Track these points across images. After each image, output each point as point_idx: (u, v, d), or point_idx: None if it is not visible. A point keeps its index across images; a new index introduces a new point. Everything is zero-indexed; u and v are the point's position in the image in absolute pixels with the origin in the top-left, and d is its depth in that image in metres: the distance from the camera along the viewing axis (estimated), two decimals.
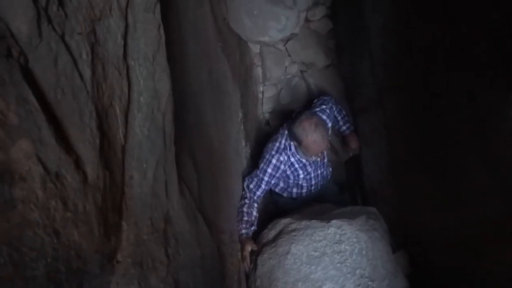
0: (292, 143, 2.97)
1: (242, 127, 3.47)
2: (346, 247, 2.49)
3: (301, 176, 3.13)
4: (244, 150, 3.45)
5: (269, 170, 2.99)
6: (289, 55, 3.75)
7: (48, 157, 0.85)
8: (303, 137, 2.76)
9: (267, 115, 3.94)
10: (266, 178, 2.98)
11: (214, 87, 3.04)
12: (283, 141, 3.00)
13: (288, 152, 3.01)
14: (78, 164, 0.96)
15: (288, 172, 3.10)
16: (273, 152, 3.00)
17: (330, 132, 3.07)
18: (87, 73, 1.10)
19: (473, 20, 1.58)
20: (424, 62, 2.09)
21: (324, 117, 3.06)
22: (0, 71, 0.81)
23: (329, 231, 2.56)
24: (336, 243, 2.52)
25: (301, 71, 3.80)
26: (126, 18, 1.43)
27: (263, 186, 2.99)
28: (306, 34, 3.66)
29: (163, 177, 1.50)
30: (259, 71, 3.83)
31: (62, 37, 1.02)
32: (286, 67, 3.79)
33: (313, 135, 2.73)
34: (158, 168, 1.46)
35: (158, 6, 1.63)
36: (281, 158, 2.99)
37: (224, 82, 3.25)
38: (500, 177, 1.52)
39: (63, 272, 0.86)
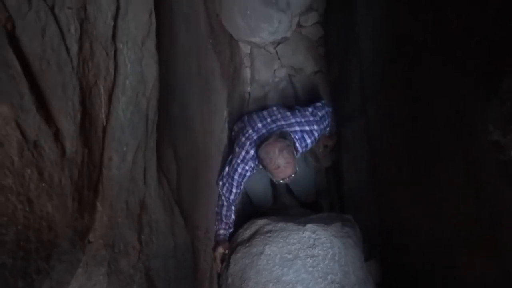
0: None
1: (226, 125, 3.47)
2: (320, 251, 2.50)
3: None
4: (226, 149, 3.45)
5: (236, 177, 2.92)
6: (279, 59, 3.77)
7: (28, 124, 0.85)
8: (267, 162, 2.67)
9: None
10: (234, 184, 2.92)
11: (202, 82, 3.04)
12: (251, 152, 2.91)
13: (256, 162, 2.91)
14: (57, 136, 0.95)
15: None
16: (239, 161, 2.92)
17: (303, 150, 3.01)
18: (74, 48, 1.09)
19: (458, 25, 1.61)
20: (408, 71, 2.12)
21: (306, 129, 2.97)
22: None
23: (304, 235, 2.56)
24: (310, 247, 2.53)
25: (290, 75, 3.82)
26: (118, 0, 1.43)
27: (234, 190, 2.94)
28: (297, 39, 3.69)
29: (142, 162, 1.50)
30: (247, 71, 3.84)
31: (51, 8, 1.01)
32: (275, 70, 3.80)
33: (277, 161, 2.64)
34: (138, 153, 1.45)
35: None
36: (247, 167, 2.92)
37: (212, 79, 3.24)
38: (478, 187, 1.55)
39: (33, 241, 0.85)
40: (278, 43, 3.70)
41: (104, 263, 1.27)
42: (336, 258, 2.49)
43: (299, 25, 3.67)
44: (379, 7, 2.53)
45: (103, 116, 1.28)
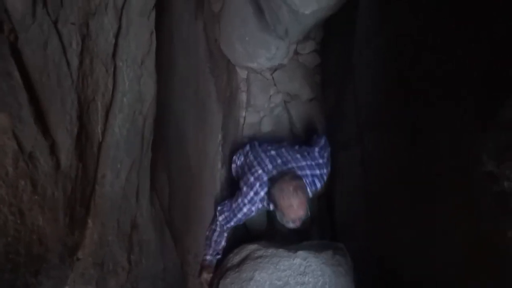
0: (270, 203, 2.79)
1: (220, 149, 3.46)
2: (310, 279, 2.48)
3: None
4: (219, 173, 3.44)
5: (239, 215, 2.85)
6: (275, 85, 3.80)
7: (24, 135, 0.84)
8: (280, 200, 2.59)
9: (246, 141, 3.95)
10: (239, 216, 2.86)
11: (198, 105, 3.05)
12: (261, 193, 2.82)
13: (264, 202, 2.84)
14: (53, 149, 0.94)
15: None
16: (246, 201, 2.83)
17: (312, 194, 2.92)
18: (74, 62, 1.09)
19: (454, 59, 1.64)
20: (404, 102, 2.15)
21: (316, 173, 2.91)
22: None
23: (294, 262, 2.54)
24: (301, 274, 2.50)
25: (285, 102, 3.85)
26: (120, 18, 1.44)
27: (232, 223, 2.89)
28: (294, 66, 3.73)
29: (136, 181, 1.48)
30: (243, 96, 3.87)
31: (55, 23, 1.02)
32: (270, 95, 3.83)
33: (291, 199, 2.56)
34: (132, 171, 1.44)
35: (153, 13, 1.65)
36: (253, 208, 2.85)
37: (209, 102, 3.26)
38: (474, 217, 1.55)
39: (22, 254, 0.83)
40: (275, 69, 3.74)
41: (92, 281, 1.25)
42: (327, 286, 2.46)
43: (296, 52, 3.72)
44: (377, 40, 2.58)
45: (100, 132, 1.27)
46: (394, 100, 2.31)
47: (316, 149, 3.05)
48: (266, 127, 3.85)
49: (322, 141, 3.17)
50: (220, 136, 3.46)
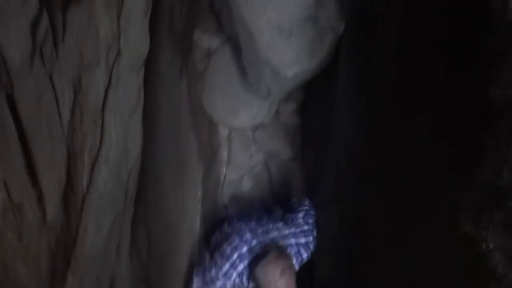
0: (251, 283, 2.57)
1: (199, 207, 3.43)
2: None
3: None
4: (198, 232, 3.39)
5: (218, 284, 2.57)
6: (256, 143, 3.84)
7: (15, 186, 0.83)
8: (265, 284, 2.40)
9: (226, 200, 3.93)
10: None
11: (179, 161, 3.06)
12: (239, 267, 2.58)
13: (243, 278, 2.60)
14: (40, 200, 0.93)
15: None
16: (221, 275, 2.56)
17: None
18: (66, 115, 1.11)
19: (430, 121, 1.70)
20: (383, 164, 2.19)
21: (302, 242, 2.78)
22: None
23: None
24: None
25: (266, 161, 3.87)
26: (111, 74, 1.47)
27: None
28: (275, 126, 3.80)
29: (117, 235, 1.46)
30: (224, 154, 3.88)
31: (50, 76, 1.04)
32: (251, 154, 3.86)
33: (277, 284, 2.37)
34: (114, 225, 1.42)
35: (142, 70, 1.69)
36: (229, 284, 2.58)
37: (189, 159, 3.27)
38: (452, 281, 1.56)
39: None
40: (257, 128, 3.80)
41: None
42: None
43: (278, 112, 3.80)
44: (356, 100, 2.67)
45: (85, 185, 1.26)
46: (372, 160, 2.36)
47: (300, 215, 2.95)
48: (246, 185, 3.85)
49: (306, 205, 3.08)
50: (199, 194, 3.43)
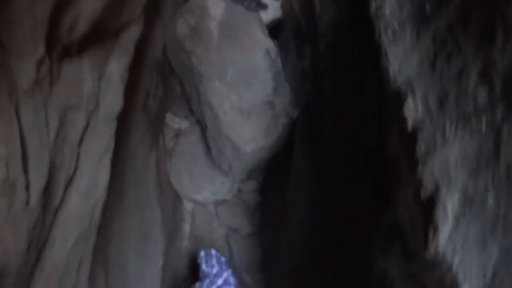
0: None
1: (160, 276, 3.56)
2: None
3: None
4: None
5: None
6: (218, 218, 4.08)
7: (13, 168, 1.10)
8: None
9: (186, 271, 4.05)
10: None
11: (143, 231, 3.26)
12: None
13: None
14: (27, 188, 1.20)
15: None
16: None
17: None
18: (52, 135, 1.41)
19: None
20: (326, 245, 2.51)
21: None
22: None
23: None
24: None
25: (227, 235, 4.09)
26: (89, 119, 1.79)
27: None
28: (236, 202, 4.07)
29: (80, 254, 1.68)
30: (187, 227, 4.09)
31: (45, 102, 1.36)
32: (213, 228, 4.08)
33: None
34: (78, 243, 1.65)
35: (115, 123, 2.01)
36: None
37: (152, 230, 3.47)
38: None
39: None
40: (219, 204, 4.06)
41: None
42: None
43: (239, 190, 4.10)
44: (309, 183, 3.02)
45: (58, 200, 1.52)
46: (319, 240, 2.67)
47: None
48: None
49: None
50: (160, 263, 3.58)
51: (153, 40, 3.28)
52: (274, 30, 3.67)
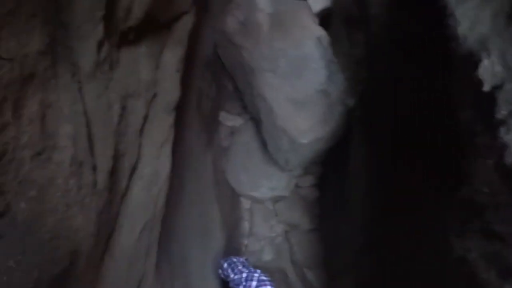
0: None
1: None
2: None
3: None
4: None
5: None
6: (276, 215, 4.03)
7: (80, 149, 1.10)
8: None
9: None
10: None
11: (203, 228, 3.26)
12: None
13: None
14: (95, 169, 1.19)
15: None
16: None
17: None
18: (114, 121, 1.40)
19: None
20: (392, 231, 2.39)
21: None
22: None
23: None
24: None
25: (286, 231, 4.03)
26: (148, 108, 1.79)
27: None
28: (295, 198, 4.01)
29: (147, 241, 1.67)
30: (246, 224, 4.06)
31: (106, 86, 1.36)
32: (272, 225, 4.03)
33: None
34: (144, 230, 1.64)
35: (174, 113, 2.00)
36: None
37: (212, 228, 3.46)
38: None
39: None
40: (277, 200, 4.01)
41: None
42: None
43: (297, 185, 4.03)
44: (367, 175, 2.92)
45: (124, 187, 1.52)
46: (383, 229, 2.56)
47: None
48: (267, 255, 3.96)
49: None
50: (222, 262, 3.56)
51: (203, 37, 3.29)
52: (325, 20, 3.61)
